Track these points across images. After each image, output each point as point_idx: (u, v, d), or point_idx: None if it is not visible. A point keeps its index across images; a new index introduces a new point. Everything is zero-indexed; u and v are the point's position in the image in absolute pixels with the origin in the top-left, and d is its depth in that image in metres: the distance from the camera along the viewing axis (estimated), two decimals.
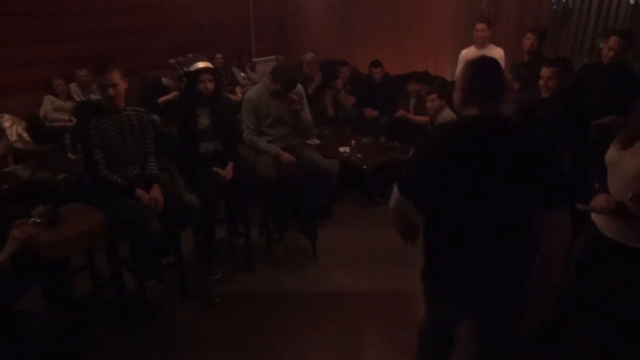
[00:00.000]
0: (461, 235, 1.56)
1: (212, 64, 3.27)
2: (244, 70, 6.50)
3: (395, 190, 1.67)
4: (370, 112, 5.22)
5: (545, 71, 2.99)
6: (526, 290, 1.57)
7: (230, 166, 3.17)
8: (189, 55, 5.80)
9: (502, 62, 4.52)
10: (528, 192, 1.45)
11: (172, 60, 5.66)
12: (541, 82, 3.01)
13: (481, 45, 4.60)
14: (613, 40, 3.32)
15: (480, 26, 4.53)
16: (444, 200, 1.55)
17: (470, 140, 1.50)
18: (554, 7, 5.21)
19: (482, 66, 1.60)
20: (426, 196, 1.60)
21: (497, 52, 4.58)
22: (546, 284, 1.55)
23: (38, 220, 2.29)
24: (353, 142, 4.32)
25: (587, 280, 2.28)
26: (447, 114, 4.06)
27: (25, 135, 4.68)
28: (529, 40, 4.13)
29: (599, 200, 2.01)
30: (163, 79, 5.09)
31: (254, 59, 7.07)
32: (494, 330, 1.64)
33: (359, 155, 4.22)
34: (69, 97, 5.11)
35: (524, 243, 1.54)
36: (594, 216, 2.17)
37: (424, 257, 1.72)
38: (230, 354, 2.63)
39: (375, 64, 5.29)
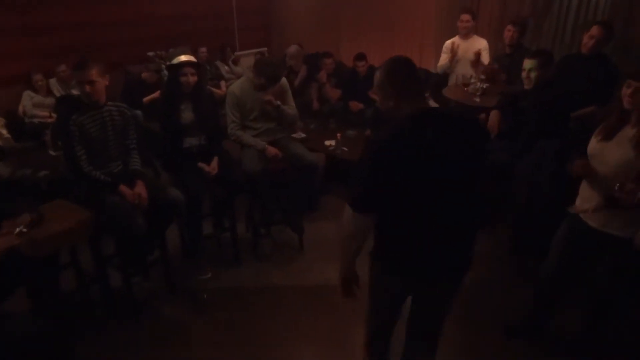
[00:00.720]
0: (417, 221, 1.62)
1: (196, 57, 3.24)
2: (226, 64, 6.44)
3: (348, 214, 1.62)
4: (356, 105, 5.23)
5: (527, 62, 3.03)
6: (472, 261, 1.75)
7: (215, 161, 3.15)
8: (170, 50, 5.74)
9: (486, 53, 4.56)
10: (469, 176, 1.59)
11: (150, 53, 5.58)
12: (523, 74, 3.05)
13: (465, 36, 4.63)
14: (594, 29, 3.36)
15: (465, 17, 4.57)
16: (400, 196, 1.58)
17: (418, 135, 1.54)
18: None
19: (399, 65, 1.66)
20: (383, 200, 1.59)
21: (481, 43, 4.62)
22: None
23: (24, 230, 2.25)
24: (339, 135, 4.32)
25: (568, 268, 2.33)
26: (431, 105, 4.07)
27: (4, 132, 4.57)
28: (509, 32, 4.19)
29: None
30: (142, 74, 5.02)
31: (237, 52, 7.00)
32: (443, 300, 1.83)
33: (345, 149, 4.22)
34: (49, 92, 5.00)
35: (472, 218, 1.69)
36: (575, 207, 2.21)
37: (376, 242, 1.75)
38: (219, 349, 2.63)
39: (360, 57, 5.29)
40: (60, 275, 2.77)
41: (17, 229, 2.23)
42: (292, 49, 5.51)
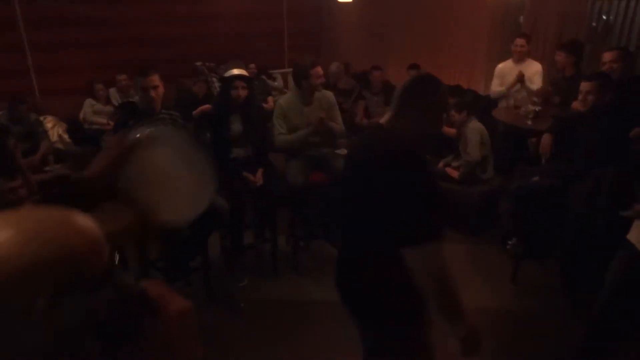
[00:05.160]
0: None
1: (246, 72, 3.34)
2: (271, 79, 6.62)
3: (434, 251, 1.40)
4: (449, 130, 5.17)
5: (584, 85, 2.93)
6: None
7: (260, 172, 3.21)
8: (222, 66, 5.94)
9: (539, 76, 4.44)
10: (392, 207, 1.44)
11: (198, 64, 5.76)
12: (580, 97, 2.94)
13: (519, 60, 4.54)
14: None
15: (520, 41, 4.49)
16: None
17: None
18: (594, 24, 5.08)
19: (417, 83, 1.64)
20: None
21: (535, 67, 4.51)
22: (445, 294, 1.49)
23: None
24: None
25: (624, 304, 2.19)
26: (473, 126, 3.95)
27: (65, 136, 4.87)
28: (559, 57, 4.10)
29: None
30: (193, 87, 5.22)
31: (286, 69, 7.16)
32: (368, 339, 1.92)
33: None
34: (108, 101, 5.30)
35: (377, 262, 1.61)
36: (631, 237, 2.08)
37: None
38: (253, 359, 2.62)
39: (414, 66, 5.27)
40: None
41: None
42: (333, 66, 5.59)
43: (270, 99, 6.13)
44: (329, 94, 3.54)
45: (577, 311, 2.86)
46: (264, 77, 6.47)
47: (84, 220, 0.61)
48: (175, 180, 1.03)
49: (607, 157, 2.85)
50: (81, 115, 5.12)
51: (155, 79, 2.70)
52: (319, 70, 3.28)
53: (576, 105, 3.00)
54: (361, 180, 1.56)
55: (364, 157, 1.59)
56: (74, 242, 0.58)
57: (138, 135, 1.01)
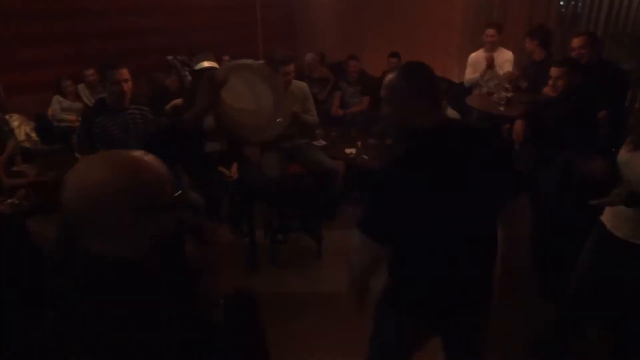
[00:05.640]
0: (437, 250, 1.46)
1: (220, 65, 3.28)
2: None
3: (358, 240, 1.47)
4: None
5: (554, 71, 2.97)
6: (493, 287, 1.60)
7: (235, 166, 3.17)
8: (194, 59, 5.83)
9: (510, 64, 4.51)
10: (495, 191, 1.45)
11: (170, 57, 5.64)
12: (550, 82, 2.99)
13: (491, 49, 4.60)
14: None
15: (490, 32, 4.56)
16: (418, 222, 1.41)
17: (439, 151, 1.39)
18: (563, 10, 5.17)
19: (418, 70, 1.47)
20: (398, 226, 1.42)
21: (506, 55, 4.57)
22: (510, 259, 1.59)
23: (16, 202, 2.31)
24: (359, 143, 4.30)
25: (596, 283, 2.24)
26: (450, 114, 4.01)
27: (33, 135, 4.71)
28: (528, 44, 4.20)
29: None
30: (166, 81, 5.11)
31: (260, 61, 7.08)
32: (474, 333, 1.68)
33: (365, 157, 4.19)
34: (77, 97, 5.14)
35: (492, 243, 1.55)
36: (604, 217, 2.13)
37: (393, 284, 1.59)
38: None
39: (395, 54, 5.32)
40: None
41: (9, 201, 2.29)
42: (308, 57, 5.55)
43: None
44: (303, 85, 3.51)
45: (547, 293, 2.93)
46: None
47: (153, 160, 0.90)
48: (255, 108, 1.23)
49: (577, 141, 2.91)
50: (49, 113, 4.96)
51: (125, 72, 2.62)
52: (288, 68, 3.23)
53: (547, 90, 3.05)
54: (463, 182, 1.39)
55: (465, 159, 1.41)
56: (145, 175, 0.87)
57: (222, 70, 1.21)
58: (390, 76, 1.49)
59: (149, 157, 0.90)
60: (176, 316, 0.86)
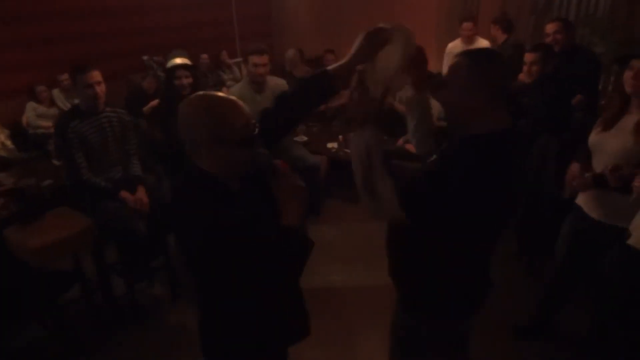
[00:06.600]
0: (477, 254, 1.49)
1: (197, 63, 3.24)
2: (222, 70, 6.47)
3: (395, 210, 1.33)
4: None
5: (528, 57, 3.00)
6: None
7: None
8: (168, 55, 5.77)
9: None
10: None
11: (145, 58, 5.56)
12: (525, 68, 3.02)
13: (468, 41, 4.66)
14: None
15: (467, 26, 4.63)
16: (469, 230, 1.32)
17: (503, 161, 1.26)
18: None
19: (494, 60, 1.28)
20: (448, 227, 1.31)
21: (483, 44, 4.62)
22: None
23: None
24: (341, 137, 4.30)
25: (576, 265, 2.29)
26: (433, 105, 4.00)
27: (8, 143, 4.61)
28: (493, 31, 4.33)
29: (571, 171, 2.08)
30: (143, 83, 5.05)
31: (238, 59, 7.03)
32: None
33: (348, 151, 4.20)
34: (52, 103, 5.04)
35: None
36: (579, 200, 2.18)
37: (441, 294, 1.53)
38: None
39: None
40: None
41: None
42: (290, 52, 5.52)
43: (225, 90, 6.01)
44: (282, 82, 3.50)
45: (532, 276, 2.98)
46: (220, 72, 6.32)
47: (233, 105, 1.26)
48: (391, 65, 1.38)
49: (552, 126, 2.96)
50: (24, 120, 4.85)
51: (97, 75, 2.57)
52: (260, 59, 3.21)
53: (522, 77, 3.09)
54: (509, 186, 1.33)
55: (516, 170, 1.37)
56: (222, 117, 1.22)
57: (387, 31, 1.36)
58: (457, 67, 1.31)
59: (230, 103, 1.25)
60: (248, 220, 1.22)
